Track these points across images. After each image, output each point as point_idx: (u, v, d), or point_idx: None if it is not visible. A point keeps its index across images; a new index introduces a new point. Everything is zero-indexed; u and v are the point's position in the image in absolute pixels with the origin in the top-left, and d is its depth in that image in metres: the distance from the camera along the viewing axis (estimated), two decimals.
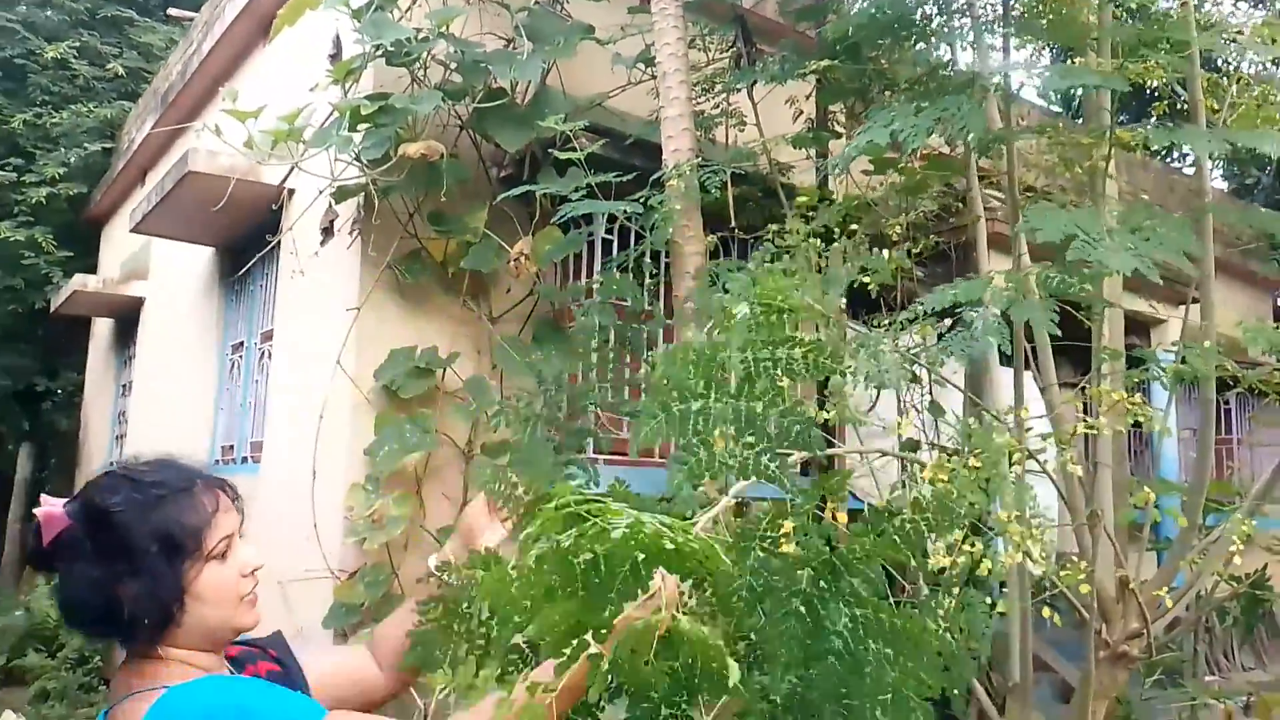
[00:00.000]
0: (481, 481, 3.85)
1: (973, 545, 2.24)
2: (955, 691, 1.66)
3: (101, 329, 9.55)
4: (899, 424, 2.64)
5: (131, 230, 5.97)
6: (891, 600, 1.53)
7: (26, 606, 7.48)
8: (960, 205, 4.03)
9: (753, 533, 1.48)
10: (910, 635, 1.42)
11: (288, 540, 4.12)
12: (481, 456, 4.13)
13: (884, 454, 3.39)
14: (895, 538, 1.57)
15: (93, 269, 9.50)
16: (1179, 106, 4.43)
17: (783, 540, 1.48)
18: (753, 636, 1.48)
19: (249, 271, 5.43)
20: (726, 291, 2.95)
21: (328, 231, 4.26)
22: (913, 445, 5.31)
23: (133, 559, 1.22)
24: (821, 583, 1.45)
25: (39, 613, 7.31)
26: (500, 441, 4.10)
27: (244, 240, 5.56)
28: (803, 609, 1.44)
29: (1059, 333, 2.07)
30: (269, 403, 5.09)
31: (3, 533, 11.14)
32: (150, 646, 1.25)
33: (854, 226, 3.76)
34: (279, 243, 4.69)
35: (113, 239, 9.54)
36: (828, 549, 1.47)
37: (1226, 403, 8.32)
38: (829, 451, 2.52)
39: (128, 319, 8.48)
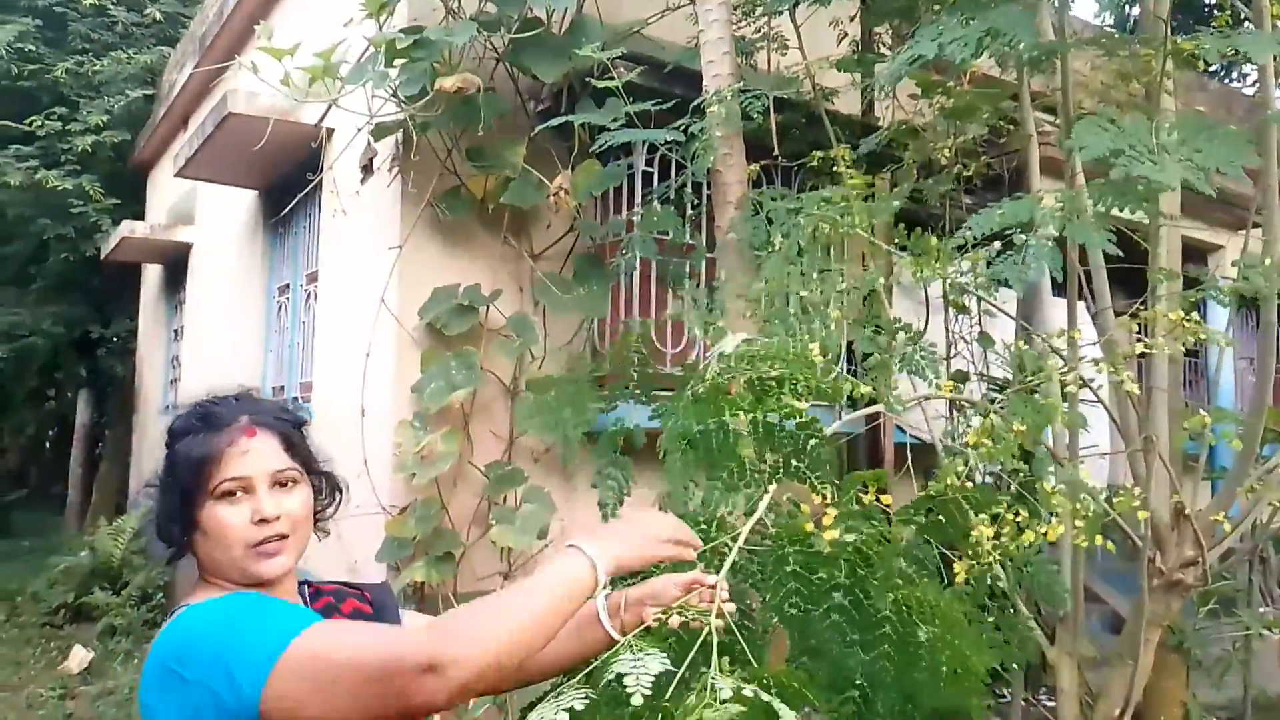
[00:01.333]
0: (523, 417, 3.87)
1: (1017, 514, 2.23)
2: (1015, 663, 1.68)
3: (151, 275, 9.70)
4: (944, 379, 2.60)
5: (175, 175, 6.01)
6: (943, 577, 1.53)
7: (91, 546, 7.73)
8: (1012, 128, 3.91)
9: (786, 536, 1.49)
10: (953, 617, 1.43)
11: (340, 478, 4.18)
12: (526, 393, 4.14)
13: (927, 398, 3.35)
14: (941, 519, 1.59)
15: (140, 216, 9.63)
16: (1242, 18, 4.23)
17: (822, 531, 1.48)
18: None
19: (293, 213, 5.45)
20: (770, 222, 2.90)
21: (367, 169, 4.25)
22: (962, 377, 5.25)
23: (164, 482, 1.29)
24: (859, 570, 1.47)
25: (103, 552, 7.55)
26: (545, 378, 4.11)
27: (286, 181, 5.58)
28: (845, 601, 1.46)
29: (1119, 252, 1.99)
30: (316, 343, 5.15)
31: (65, 476, 11.50)
32: (198, 568, 1.29)
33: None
34: (320, 183, 4.69)
35: (159, 185, 9.64)
36: (862, 539, 1.48)
37: None
38: (868, 410, 2.49)
39: (177, 264, 8.60)
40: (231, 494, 1.24)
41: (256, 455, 1.27)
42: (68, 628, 7.17)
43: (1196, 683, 4.07)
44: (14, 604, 7.76)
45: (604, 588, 1.23)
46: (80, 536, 9.08)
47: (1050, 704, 4.83)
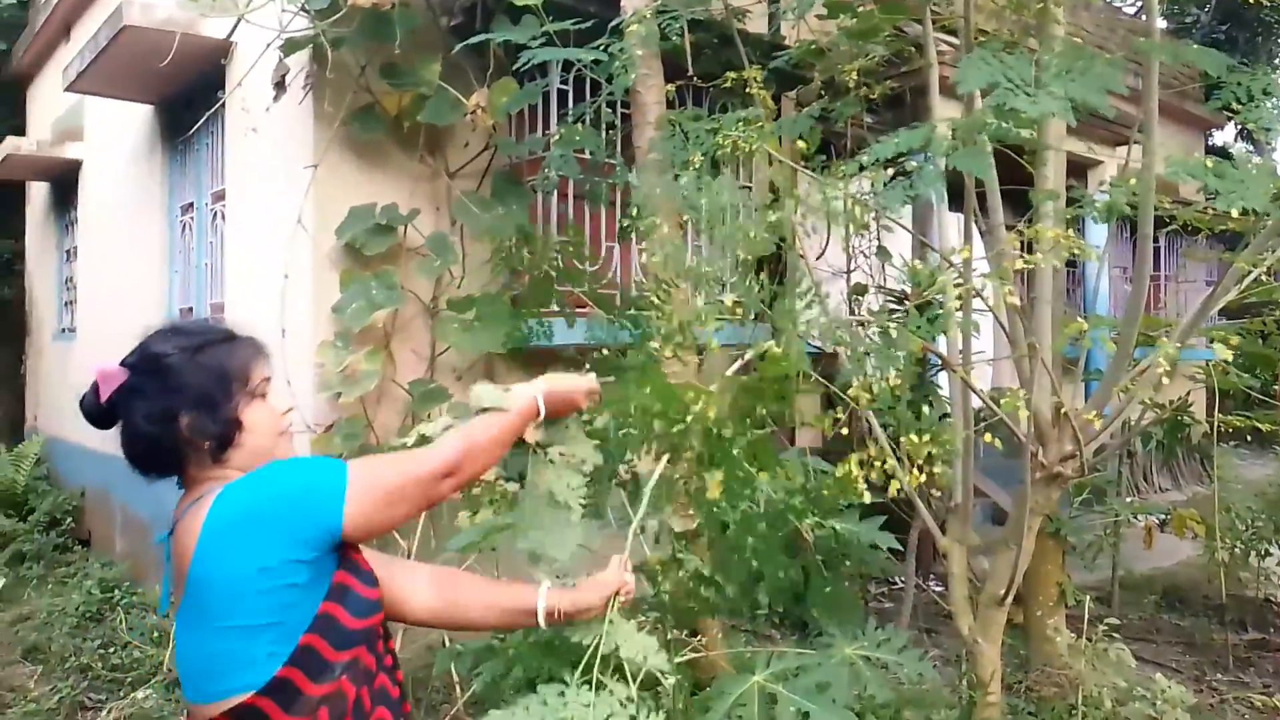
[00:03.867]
0: (445, 336, 3.95)
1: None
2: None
3: (37, 193, 9.26)
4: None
5: (65, 90, 5.75)
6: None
7: None
8: (914, 50, 4.07)
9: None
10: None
11: None
12: (446, 312, 4.22)
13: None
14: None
15: (20, 130, 9.13)
16: None
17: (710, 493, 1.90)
18: None
19: (195, 130, 5.31)
20: (688, 140, 3.01)
21: (280, 86, 4.19)
22: (861, 289, 5.49)
23: (189, 392, 1.42)
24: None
25: (5, 479, 7.37)
26: (465, 297, 4.18)
27: (185, 97, 5.42)
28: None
29: (994, 181, 2.16)
30: (226, 264, 5.08)
31: None
32: (209, 468, 1.44)
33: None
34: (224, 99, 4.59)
35: (40, 98, 9.14)
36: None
37: (1156, 241, 8.63)
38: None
39: (65, 182, 8.23)
40: (266, 392, 1.50)
41: (265, 360, 1.54)
42: None
43: (1071, 565, 4.47)
44: None
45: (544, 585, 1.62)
46: None
47: (939, 589, 5.25)
